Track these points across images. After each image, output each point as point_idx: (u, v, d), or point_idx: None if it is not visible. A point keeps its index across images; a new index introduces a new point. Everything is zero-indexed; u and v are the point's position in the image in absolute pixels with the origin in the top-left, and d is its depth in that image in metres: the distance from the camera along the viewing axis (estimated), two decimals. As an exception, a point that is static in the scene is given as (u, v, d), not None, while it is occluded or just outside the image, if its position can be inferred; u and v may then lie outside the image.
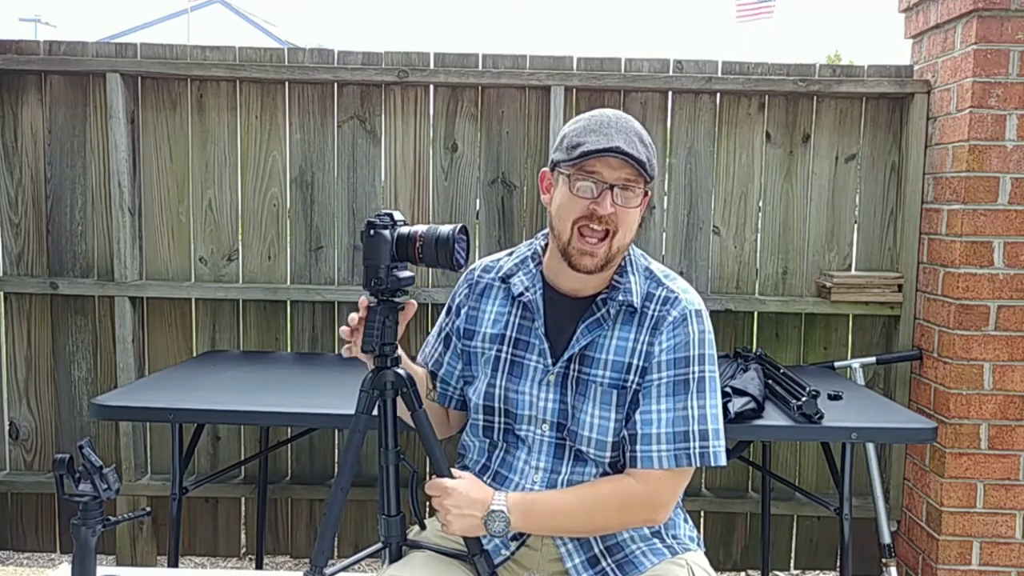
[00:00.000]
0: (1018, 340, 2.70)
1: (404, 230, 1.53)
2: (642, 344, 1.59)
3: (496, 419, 1.66)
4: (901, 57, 3.16)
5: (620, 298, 1.59)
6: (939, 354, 2.81)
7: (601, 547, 1.62)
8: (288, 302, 3.08)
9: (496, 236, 3.06)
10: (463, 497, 1.50)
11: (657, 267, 1.68)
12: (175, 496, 2.31)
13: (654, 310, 1.60)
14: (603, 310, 1.60)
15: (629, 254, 1.63)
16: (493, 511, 1.51)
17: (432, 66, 2.97)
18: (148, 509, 1.66)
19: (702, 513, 3.12)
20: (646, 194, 1.55)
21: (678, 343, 1.57)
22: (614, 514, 1.57)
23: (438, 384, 1.78)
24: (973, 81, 2.64)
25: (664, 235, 3.08)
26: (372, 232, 1.52)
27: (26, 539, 3.17)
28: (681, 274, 3.04)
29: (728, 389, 2.23)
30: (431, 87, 3.02)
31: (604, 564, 1.61)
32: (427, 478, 1.56)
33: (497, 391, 1.64)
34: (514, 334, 1.65)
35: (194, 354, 3.08)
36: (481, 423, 1.68)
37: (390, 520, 1.54)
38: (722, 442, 1.58)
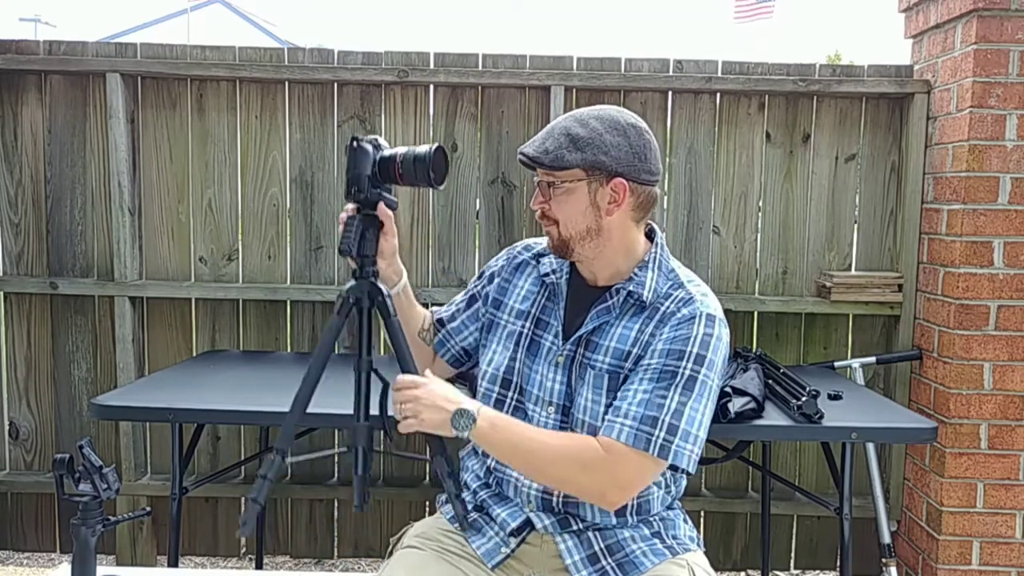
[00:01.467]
0: (1018, 340, 2.70)
1: (387, 152, 1.59)
2: (646, 335, 1.59)
3: (510, 394, 1.68)
4: (901, 57, 3.16)
5: (630, 288, 1.61)
6: (939, 354, 2.81)
7: (601, 545, 1.63)
8: (288, 302, 3.08)
9: (496, 236, 3.06)
10: (435, 392, 1.52)
11: (686, 273, 1.67)
12: (175, 496, 2.31)
13: (667, 307, 1.60)
14: (614, 298, 1.62)
15: (657, 252, 1.65)
16: (462, 408, 1.51)
17: (432, 66, 2.97)
18: (148, 509, 1.66)
19: (702, 513, 3.12)
20: (587, 180, 1.57)
21: (678, 336, 1.56)
22: (576, 470, 1.53)
23: (443, 333, 1.84)
24: (973, 81, 2.64)
25: (664, 235, 3.07)
26: (356, 145, 1.58)
27: (26, 539, 3.17)
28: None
29: (728, 389, 2.23)
30: (431, 87, 3.02)
31: (604, 563, 1.61)
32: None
33: (517, 365, 1.68)
34: (537, 313, 1.69)
35: (194, 354, 3.08)
36: (495, 395, 1.69)
37: (358, 427, 1.57)
38: (694, 448, 1.53)
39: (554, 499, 1.64)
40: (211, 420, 2.46)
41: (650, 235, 1.69)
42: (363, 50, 2.99)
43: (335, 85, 3.00)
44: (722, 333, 1.58)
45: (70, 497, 1.45)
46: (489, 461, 1.71)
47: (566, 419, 1.63)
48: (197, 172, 3.06)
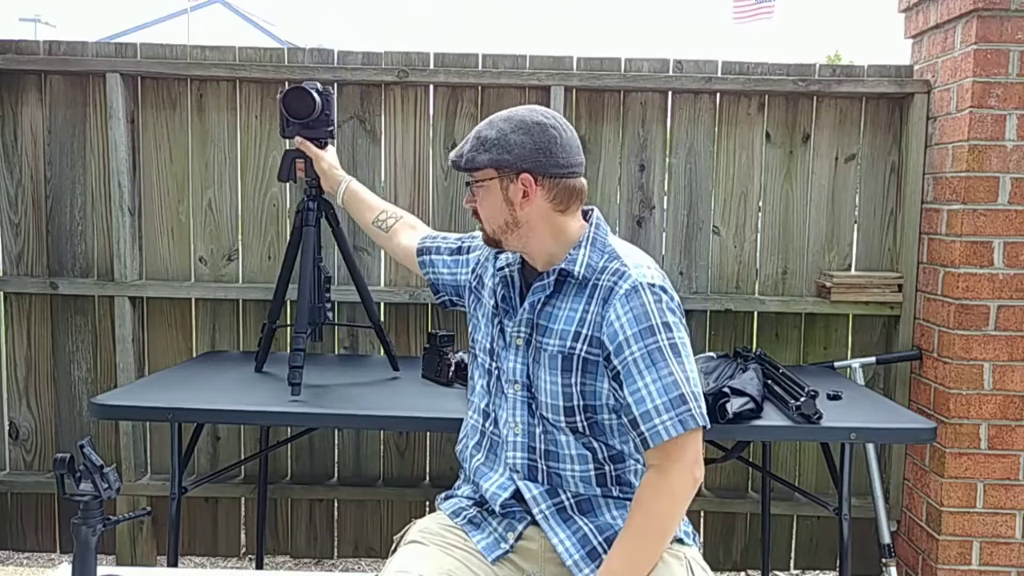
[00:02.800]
0: (1018, 340, 2.70)
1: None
2: (592, 315, 1.65)
3: (493, 365, 1.78)
4: (901, 57, 3.16)
5: (562, 266, 1.67)
6: (939, 354, 2.81)
7: (600, 539, 1.65)
8: (288, 302, 3.07)
9: (496, 236, 3.06)
10: None
11: (624, 248, 1.72)
12: (175, 496, 2.31)
13: (603, 281, 1.65)
14: (548, 278, 1.69)
15: (591, 232, 1.71)
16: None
17: (432, 66, 2.97)
18: (148, 509, 1.66)
19: (702, 513, 3.12)
20: (498, 178, 1.67)
21: (637, 315, 1.59)
22: (669, 517, 1.57)
23: (427, 258, 2.05)
24: (973, 81, 2.64)
25: (664, 235, 3.08)
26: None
27: (26, 539, 3.17)
28: (681, 275, 3.06)
29: (727, 389, 2.23)
30: (431, 87, 3.02)
31: (603, 556, 1.62)
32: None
33: (493, 345, 1.78)
34: (500, 301, 1.78)
35: (194, 354, 3.08)
36: (487, 365, 1.80)
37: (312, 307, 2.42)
38: (704, 405, 1.63)
39: (539, 467, 1.70)
40: (211, 420, 2.46)
41: (587, 217, 1.76)
42: (363, 50, 2.99)
43: (335, 85, 3.00)
44: (668, 296, 1.64)
45: (71, 497, 1.45)
46: (488, 408, 1.80)
47: (531, 395, 1.71)
48: (197, 172, 3.06)
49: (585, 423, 1.67)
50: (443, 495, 1.84)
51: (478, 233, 1.89)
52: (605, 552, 1.63)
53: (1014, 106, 2.64)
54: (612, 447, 1.69)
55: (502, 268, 1.80)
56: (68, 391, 3.13)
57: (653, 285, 1.62)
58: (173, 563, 2.36)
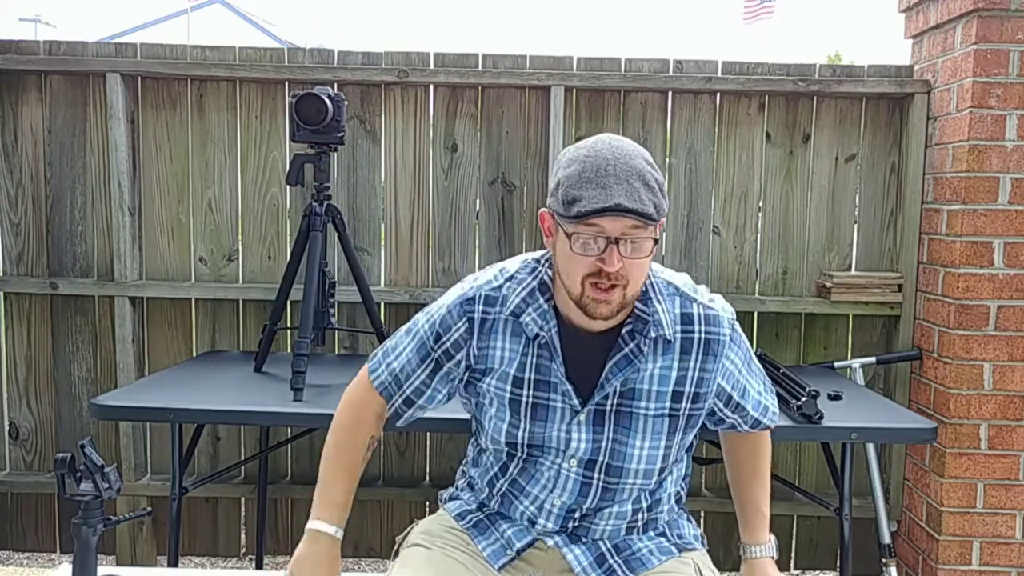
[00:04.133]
0: (1018, 340, 2.70)
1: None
2: (693, 371, 1.52)
3: (519, 453, 1.57)
4: (901, 57, 3.16)
5: (652, 334, 1.48)
6: (939, 354, 2.81)
7: (608, 546, 1.61)
8: (288, 302, 3.07)
9: (496, 236, 3.06)
10: None
11: (679, 279, 1.57)
12: (175, 496, 2.31)
13: (699, 332, 1.52)
14: (631, 345, 1.49)
15: (649, 276, 1.50)
16: None
17: (432, 66, 2.97)
18: (149, 509, 1.66)
19: (702, 513, 3.12)
20: (655, 240, 1.41)
21: (743, 350, 1.61)
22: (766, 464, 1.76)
23: (411, 410, 1.64)
24: (973, 81, 2.64)
25: (664, 235, 3.08)
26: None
27: (26, 539, 3.17)
28: (681, 274, 3.05)
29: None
30: (431, 87, 3.02)
31: (611, 561, 1.60)
32: None
33: (521, 432, 1.54)
34: (533, 376, 1.51)
35: (194, 354, 3.08)
36: (505, 452, 1.59)
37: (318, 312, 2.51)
38: None
39: (571, 522, 1.60)
40: (211, 420, 2.46)
41: None
42: (363, 50, 2.99)
43: (335, 85, 3.00)
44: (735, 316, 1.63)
45: (71, 496, 1.45)
46: (500, 484, 1.63)
47: (589, 472, 1.54)
48: (197, 172, 3.06)
49: (659, 476, 1.59)
50: (446, 494, 1.76)
51: (438, 311, 1.56)
52: (613, 556, 1.60)
53: (1014, 106, 2.64)
54: (655, 494, 1.61)
55: (537, 335, 1.50)
56: (68, 391, 3.13)
57: (734, 314, 1.59)
58: (173, 563, 2.36)
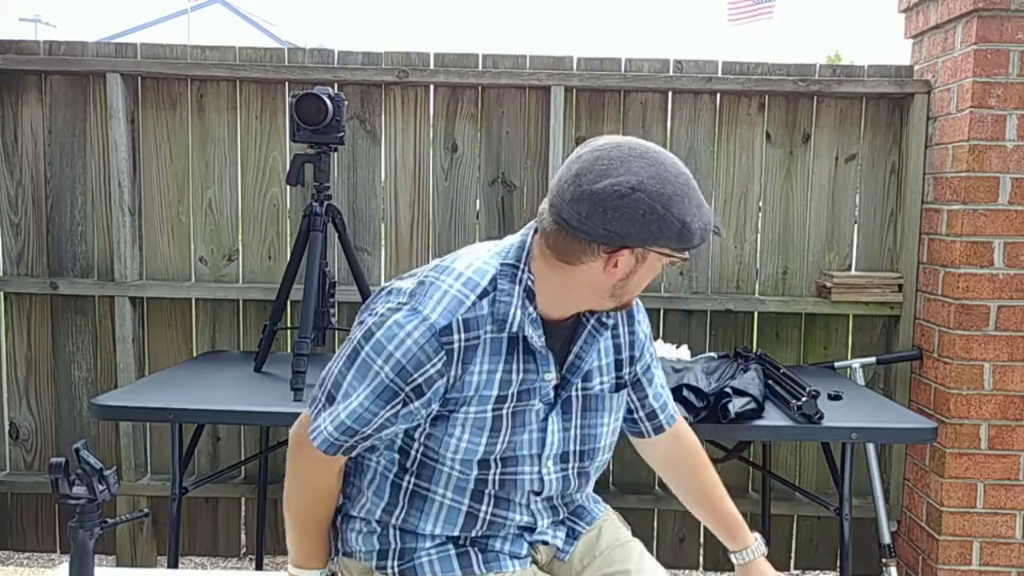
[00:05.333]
0: (1018, 340, 2.70)
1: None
2: (624, 336, 1.56)
3: (491, 474, 1.47)
4: (901, 57, 3.16)
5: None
6: (939, 354, 2.81)
7: (570, 517, 1.65)
8: (288, 302, 3.07)
9: (496, 236, 3.06)
10: None
11: None
12: (175, 496, 2.31)
13: None
14: (592, 321, 1.49)
15: None
16: None
17: (432, 66, 2.97)
18: (146, 510, 1.66)
19: (702, 513, 3.12)
20: None
21: (647, 321, 1.64)
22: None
23: (359, 445, 1.45)
24: (973, 81, 2.63)
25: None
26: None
27: (26, 539, 3.17)
28: (681, 275, 3.06)
29: (728, 389, 2.23)
30: (431, 87, 3.02)
31: (567, 520, 1.63)
32: None
33: (499, 446, 1.45)
34: (518, 389, 1.44)
35: (194, 354, 3.08)
36: (473, 476, 1.46)
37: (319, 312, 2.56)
38: None
39: (558, 504, 1.61)
40: (211, 420, 2.46)
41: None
42: (363, 50, 2.99)
43: (335, 85, 3.00)
44: None
45: (65, 500, 1.45)
46: (484, 510, 1.51)
47: (564, 465, 1.52)
48: (197, 172, 3.06)
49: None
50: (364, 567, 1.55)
51: (400, 346, 1.36)
52: (567, 516, 1.62)
53: (1014, 106, 2.64)
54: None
55: (540, 349, 1.43)
56: (68, 391, 3.13)
57: None
58: (173, 564, 2.36)
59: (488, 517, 1.50)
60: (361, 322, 1.42)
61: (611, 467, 3.05)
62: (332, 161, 3.04)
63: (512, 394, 1.43)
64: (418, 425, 1.44)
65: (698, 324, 3.08)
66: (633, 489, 3.06)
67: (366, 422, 1.40)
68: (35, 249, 3.07)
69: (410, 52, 2.98)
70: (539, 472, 1.50)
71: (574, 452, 1.52)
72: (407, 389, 1.38)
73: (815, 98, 3.03)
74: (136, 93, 3.02)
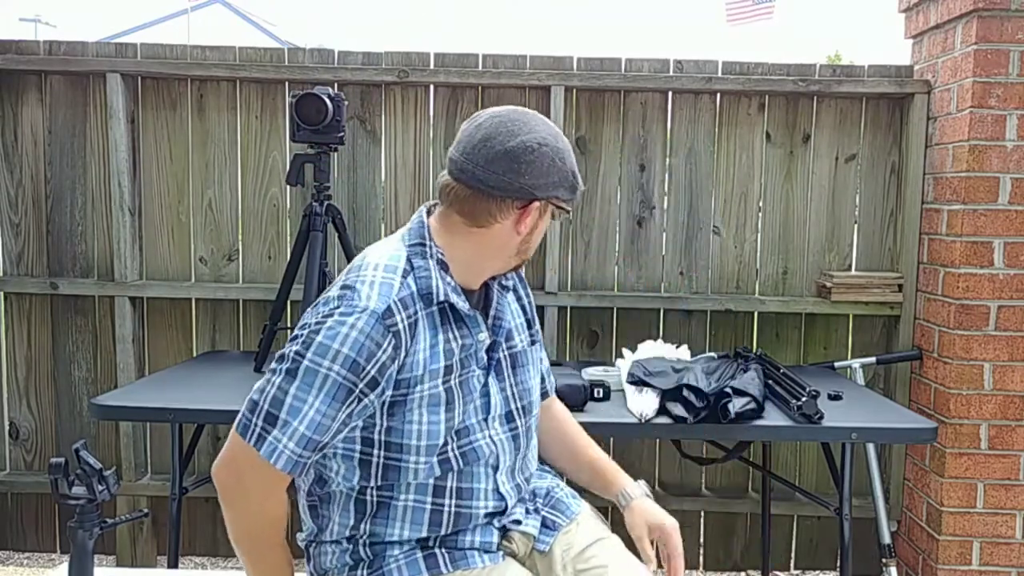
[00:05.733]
0: (1018, 340, 2.70)
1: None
2: (519, 300, 1.68)
3: (450, 449, 1.48)
4: (901, 57, 3.16)
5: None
6: (939, 354, 2.81)
7: (534, 498, 1.66)
8: (288, 302, 3.07)
9: (496, 236, 3.06)
10: None
11: None
12: (175, 496, 2.31)
13: None
14: (495, 284, 1.57)
15: None
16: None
17: (432, 66, 2.97)
18: (146, 511, 1.67)
19: (702, 513, 3.12)
20: None
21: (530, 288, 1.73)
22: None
23: (315, 458, 1.43)
24: (973, 81, 2.64)
25: (664, 235, 3.08)
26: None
27: (26, 539, 3.17)
28: (681, 275, 3.06)
29: (728, 389, 2.23)
30: (431, 87, 3.02)
31: (545, 512, 1.65)
32: None
33: (456, 419, 1.47)
34: (459, 357, 1.48)
35: (194, 354, 3.08)
36: (436, 459, 1.47)
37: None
38: None
39: (521, 481, 1.62)
40: (211, 420, 2.46)
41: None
42: (363, 50, 2.99)
43: (335, 85, 3.00)
44: None
45: (65, 501, 1.45)
46: (448, 503, 1.52)
47: (513, 424, 1.56)
48: (197, 172, 3.06)
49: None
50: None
51: (343, 342, 1.35)
52: (544, 508, 1.65)
53: (1014, 106, 2.64)
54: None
55: (469, 314, 1.48)
56: (68, 391, 3.13)
57: None
58: (173, 564, 2.37)
59: (453, 510, 1.51)
60: (294, 338, 1.41)
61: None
62: (332, 161, 3.04)
63: (456, 363, 1.47)
64: (375, 424, 1.44)
65: (698, 324, 3.08)
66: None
67: (326, 429, 1.38)
68: (35, 249, 3.07)
69: (410, 52, 2.98)
70: (489, 436, 1.53)
71: (515, 410, 1.58)
72: (361, 384, 1.37)
73: (815, 98, 3.03)
74: (136, 93, 3.02)
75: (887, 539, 2.81)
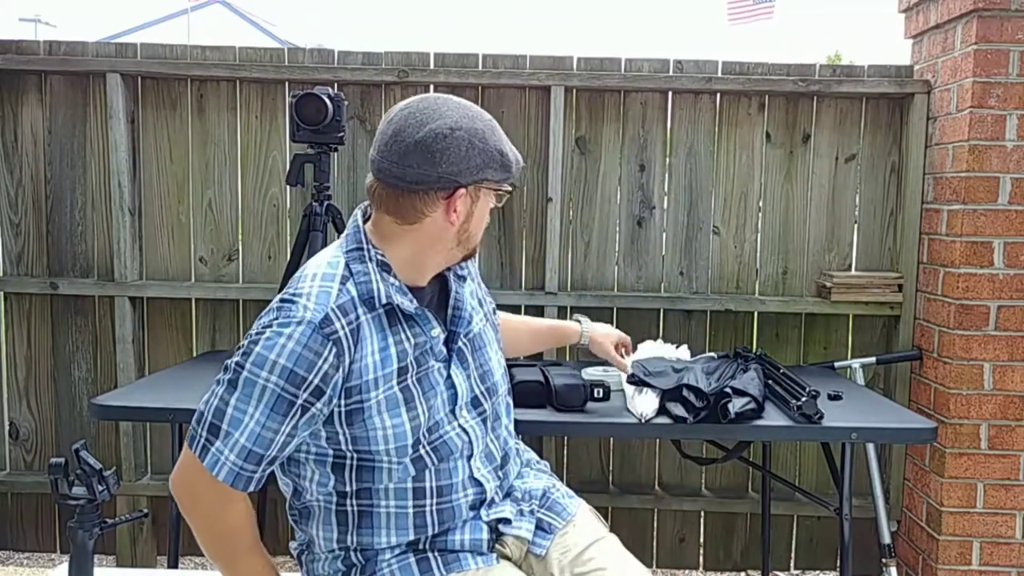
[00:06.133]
0: (1018, 340, 2.70)
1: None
2: (475, 281, 1.70)
3: (422, 447, 1.47)
4: (901, 57, 3.16)
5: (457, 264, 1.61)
6: (939, 354, 2.81)
7: (528, 499, 1.65)
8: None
9: (496, 236, 3.07)
10: None
11: None
12: (175, 496, 2.31)
13: None
14: (450, 274, 1.59)
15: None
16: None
17: (432, 66, 2.97)
18: (145, 511, 1.67)
19: (702, 513, 3.12)
20: None
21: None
22: None
23: (272, 467, 1.44)
24: (973, 81, 2.64)
25: (664, 235, 3.08)
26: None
27: (26, 539, 3.17)
28: (681, 274, 3.06)
29: (728, 389, 2.22)
30: (431, 87, 3.02)
31: (541, 515, 1.64)
32: None
33: (422, 417, 1.46)
34: (414, 356, 1.47)
35: (194, 354, 3.08)
36: (408, 457, 1.46)
37: None
38: None
39: (500, 470, 1.61)
40: (211, 420, 2.45)
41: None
42: (363, 50, 2.99)
43: (335, 85, 3.00)
44: None
45: (65, 501, 1.45)
46: (430, 503, 1.52)
47: (481, 408, 1.57)
48: (197, 172, 3.06)
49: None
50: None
51: (281, 352, 1.35)
52: (539, 510, 1.64)
53: (1014, 106, 2.64)
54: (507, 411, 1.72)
55: (418, 311, 1.47)
56: (68, 391, 3.13)
57: None
58: (173, 564, 2.37)
59: (435, 508, 1.51)
60: (238, 348, 1.42)
61: (611, 467, 3.05)
62: (332, 161, 3.04)
63: (411, 363, 1.46)
64: (338, 433, 1.43)
65: (698, 324, 3.08)
66: (633, 489, 3.05)
67: (268, 442, 1.37)
68: (35, 249, 3.07)
69: (410, 52, 2.99)
70: (459, 425, 1.52)
71: (480, 394, 1.58)
72: (304, 395, 1.36)
73: (815, 98, 3.03)
74: (136, 93, 3.02)
75: (887, 539, 2.82)
